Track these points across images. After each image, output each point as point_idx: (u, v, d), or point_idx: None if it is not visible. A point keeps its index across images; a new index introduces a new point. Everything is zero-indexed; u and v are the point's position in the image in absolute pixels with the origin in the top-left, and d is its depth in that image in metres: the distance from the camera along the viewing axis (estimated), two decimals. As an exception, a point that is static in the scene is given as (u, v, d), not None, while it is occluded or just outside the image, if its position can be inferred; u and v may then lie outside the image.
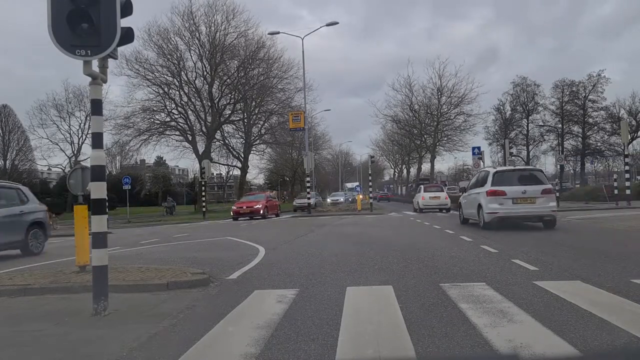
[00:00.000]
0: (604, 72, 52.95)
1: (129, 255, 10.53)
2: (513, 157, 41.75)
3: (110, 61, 5.33)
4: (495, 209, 12.70)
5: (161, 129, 42.97)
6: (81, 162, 42.50)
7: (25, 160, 51.78)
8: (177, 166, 77.86)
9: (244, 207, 27.51)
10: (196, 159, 43.51)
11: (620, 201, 24.04)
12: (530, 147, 57.42)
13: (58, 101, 48.57)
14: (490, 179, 13.11)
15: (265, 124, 47.18)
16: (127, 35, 5.20)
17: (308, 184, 32.32)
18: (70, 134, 49.49)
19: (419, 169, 55.66)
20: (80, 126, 49.04)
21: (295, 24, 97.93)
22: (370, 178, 36.79)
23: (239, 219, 26.60)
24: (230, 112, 45.75)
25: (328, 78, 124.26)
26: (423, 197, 27.84)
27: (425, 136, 49.71)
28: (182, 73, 42.66)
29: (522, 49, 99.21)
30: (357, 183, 70.25)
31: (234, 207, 28.56)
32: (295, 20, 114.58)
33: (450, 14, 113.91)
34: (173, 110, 43.51)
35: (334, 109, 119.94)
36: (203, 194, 33.42)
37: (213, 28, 41.97)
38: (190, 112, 43.95)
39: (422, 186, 31.61)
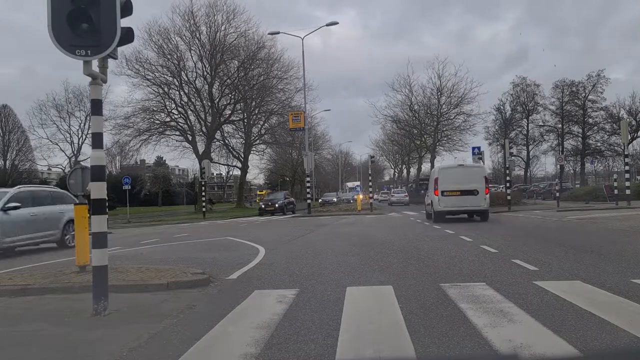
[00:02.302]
0: (603, 72, 52.76)
1: (129, 255, 10.52)
2: (513, 157, 41.75)
3: (110, 61, 5.33)
4: None
5: (161, 129, 42.96)
6: (81, 162, 42.47)
7: (25, 160, 51.71)
8: (177, 166, 77.83)
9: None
10: (196, 159, 43.52)
11: (620, 201, 24.03)
12: (530, 147, 57.40)
13: (58, 101, 48.47)
14: None
15: (265, 124, 47.23)
16: (127, 35, 5.20)
17: (308, 184, 32.33)
18: (70, 134, 49.39)
19: (419, 169, 55.60)
20: (80, 126, 48.94)
21: (312, 25, 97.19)
22: (370, 178, 36.78)
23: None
24: (230, 112, 45.77)
25: (341, 79, 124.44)
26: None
27: (425, 136, 49.67)
28: (182, 73, 42.69)
29: (548, 50, 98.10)
30: (358, 183, 67.87)
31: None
32: (311, 21, 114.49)
33: (481, 15, 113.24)
34: (173, 111, 43.55)
35: (344, 110, 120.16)
36: (203, 194, 33.41)
37: (213, 28, 42.02)
38: (190, 112, 43.99)
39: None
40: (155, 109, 42.58)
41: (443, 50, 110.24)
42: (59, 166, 53.23)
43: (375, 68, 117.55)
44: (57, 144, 48.95)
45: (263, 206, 33.63)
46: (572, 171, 60.79)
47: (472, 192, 16.63)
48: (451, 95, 46.47)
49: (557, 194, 26.45)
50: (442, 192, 16.69)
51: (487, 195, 16.90)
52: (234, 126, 47.29)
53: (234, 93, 44.80)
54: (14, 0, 74.58)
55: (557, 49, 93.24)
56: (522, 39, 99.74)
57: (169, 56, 41.57)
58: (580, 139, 54.09)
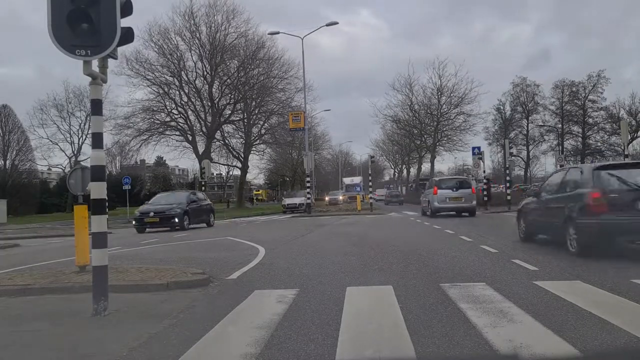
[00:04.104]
0: (604, 72, 52.77)
1: (129, 255, 10.52)
2: (513, 157, 41.77)
3: (110, 61, 5.32)
4: None
5: (161, 129, 42.95)
6: (81, 162, 42.47)
7: (25, 160, 51.65)
8: (177, 166, 77.86)
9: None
10: (196, 159, 43.50)
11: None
12: (530, 147, 57.45)
13: (58, 101, 48.55)
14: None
15: (265, 124, 47.20)
16: (127, 35, 5.19)
17: (308, 184, 32.33)
18: (70, 134, 49.45)
19: (419, 169, 55.61)
20: (80, 126, 48.99)
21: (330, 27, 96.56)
22: (370, 178, 36.80)
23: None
24: (230, 112, 45.75)
25: (354, 79, 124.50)
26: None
27: (425, 136, 49.70)
28: (182, 73, 42.68)
29: (567, 50, 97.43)
30: (360, 179, 59.06)
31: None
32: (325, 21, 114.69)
33: (504, 16, 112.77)
34: (173, 110, 43.54)
35: (353, 109, 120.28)
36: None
37: (213, 28, 42.03)
38: (190, 112, 43.99)
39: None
40: (155, 109, 42.58)
41: (460, 51, 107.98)
42: (59, 166, 53.31)
43: (389, 68, 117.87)
44: (57, 144, 49.04)
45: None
46: (572, 171, 60.76)
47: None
48: (451, 95, 46.53)
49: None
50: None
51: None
52: (234, 126, 47.28)
53: (234, 93, 44.79)
54: (34, 1, 75.36)
55: (576, 49, 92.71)
56: (542, 40, 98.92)
57: (169, 56, 41.58)
58: (580, 139, 54.13)
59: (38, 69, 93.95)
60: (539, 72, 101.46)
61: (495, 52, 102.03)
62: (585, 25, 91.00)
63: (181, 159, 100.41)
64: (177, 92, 43.25)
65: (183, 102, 43.58)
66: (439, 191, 20.29)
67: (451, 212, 20.50)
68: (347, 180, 60.58)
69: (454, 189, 20.39)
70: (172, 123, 43.49)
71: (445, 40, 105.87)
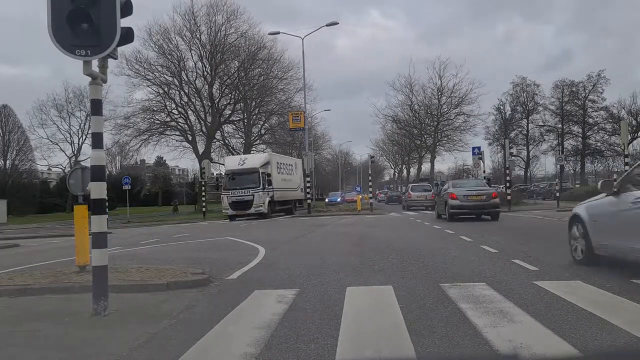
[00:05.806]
0: (603, 72, 52.70)
1: (129, 255, 10.52)
2: (513, 157, 41.73)
3: (110, 61, 5.32)
4: None
5: (161, 129, 43.01)
6: (81, 162, 42.47)
7: (25, 160, 51.72)
8: (177, 166, 77.85)
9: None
10: (196, 159, 43.55)
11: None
12: (530, 147, 57.38)
13: (58, 101, 48.64)
14: None
15: (265, 124, 47.25)
16: (127, 35, 5.19)
17: (308, 184, 32.33)
18: (70, 134, 49.51)
19: (419, 169, 55.65)
20: (80, 126, 49.06)
21: (350, 30, 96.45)
22: (370, 178, 36.79)
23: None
24: (230, 112, 45.80)
25: (365, 79, 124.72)
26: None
27: (425, 136, 49.74)
28: (182, 73, 42.75)
29: (585, 51, 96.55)
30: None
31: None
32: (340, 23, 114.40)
33: (523, 18, 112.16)
34: (173, 110, 43.61)
35: (360, 110, 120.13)
36: (203, 194, 33.40)
37: (214, 28, 42.08)
38: (190, 112, 44.05)
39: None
40: (155, 109, 42.67)
41: (474, 52, 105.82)
42: (59, 166, 53.31)
43: (399, 69, 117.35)
44: (57, 144, 49.09)
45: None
46: (572, 171, 60.76)
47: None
48: (452, 95, 46.61)
49: (557, 194, 26.46)
50: None
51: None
52: (234, 126, 47.35)
53: (234, 93, 44.84)
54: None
55: (593, 50, 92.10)
56: (560, 41, 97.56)
57: (169, 56, 41.66)
58: (580, 139, 54.10)
59: (52, 69, 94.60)
60: (555, 73, 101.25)
61: (511, 53, 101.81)
62: (603, 26, 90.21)
63: (181, 159, 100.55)
64: (177, 92, 43.35)
65: (183, 102, 43.65)
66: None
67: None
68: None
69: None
70: (172, 123, 43.56)
71: (460, 42, 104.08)
